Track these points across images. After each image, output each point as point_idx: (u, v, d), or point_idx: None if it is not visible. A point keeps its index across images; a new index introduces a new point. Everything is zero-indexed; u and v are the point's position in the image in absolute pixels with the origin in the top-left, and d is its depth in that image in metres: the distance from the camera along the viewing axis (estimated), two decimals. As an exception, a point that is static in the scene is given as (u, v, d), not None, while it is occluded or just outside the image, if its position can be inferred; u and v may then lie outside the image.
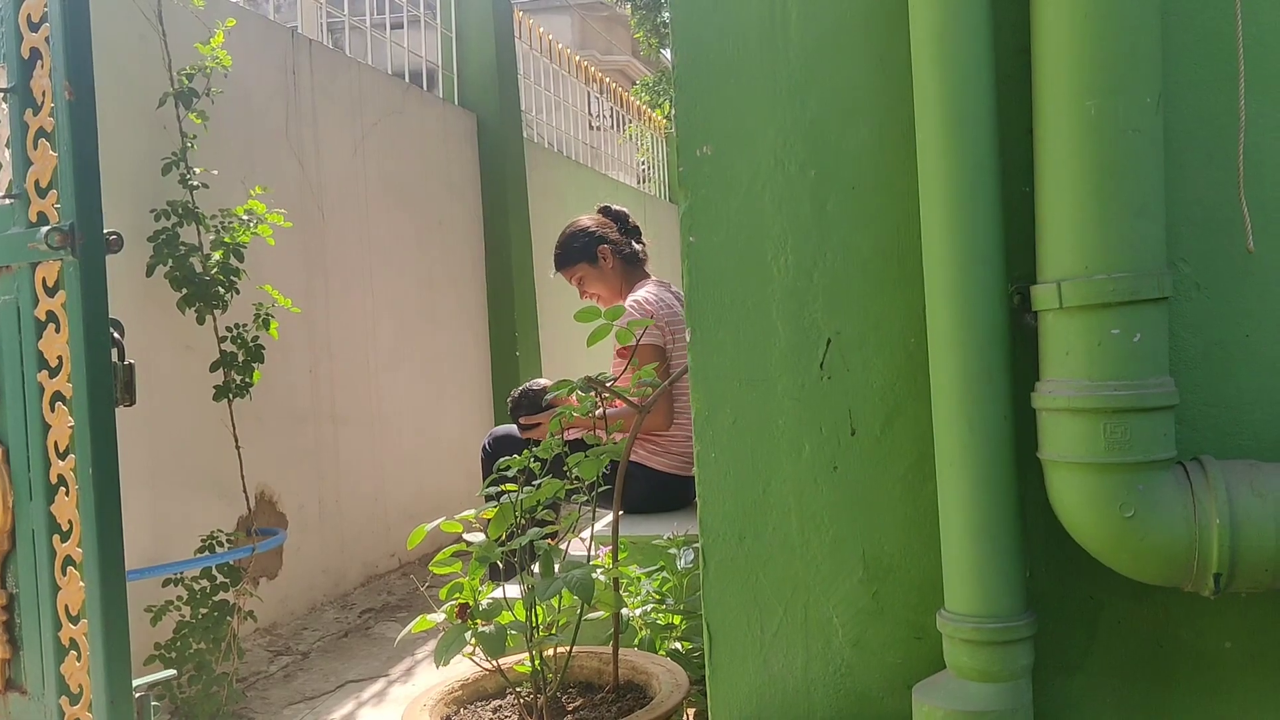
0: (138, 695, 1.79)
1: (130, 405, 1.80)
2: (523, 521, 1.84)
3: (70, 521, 1.77)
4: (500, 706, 1.90)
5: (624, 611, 2.02)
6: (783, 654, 1.49)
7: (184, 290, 2.97)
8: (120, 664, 1.75)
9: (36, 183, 1.78)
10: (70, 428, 1.75)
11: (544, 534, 1.83)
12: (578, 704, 1.87)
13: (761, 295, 1.48)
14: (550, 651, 1.85)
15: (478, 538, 1.83)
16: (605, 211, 3.31)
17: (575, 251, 3.22)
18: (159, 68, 3.02)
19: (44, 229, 1.71)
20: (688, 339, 1.52)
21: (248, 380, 3.06)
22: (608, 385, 1.96)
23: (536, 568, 1.79)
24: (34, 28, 1.77)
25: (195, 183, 3.02)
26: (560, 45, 7.34)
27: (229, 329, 3.05)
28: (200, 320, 2.99)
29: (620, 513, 2.01)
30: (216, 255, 3.01)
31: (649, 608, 2.20)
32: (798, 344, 1.47)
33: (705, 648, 1.53)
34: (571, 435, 2.84)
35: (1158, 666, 1.38)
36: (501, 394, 5.28)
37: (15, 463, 1.86)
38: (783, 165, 1.46)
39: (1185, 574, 1.22)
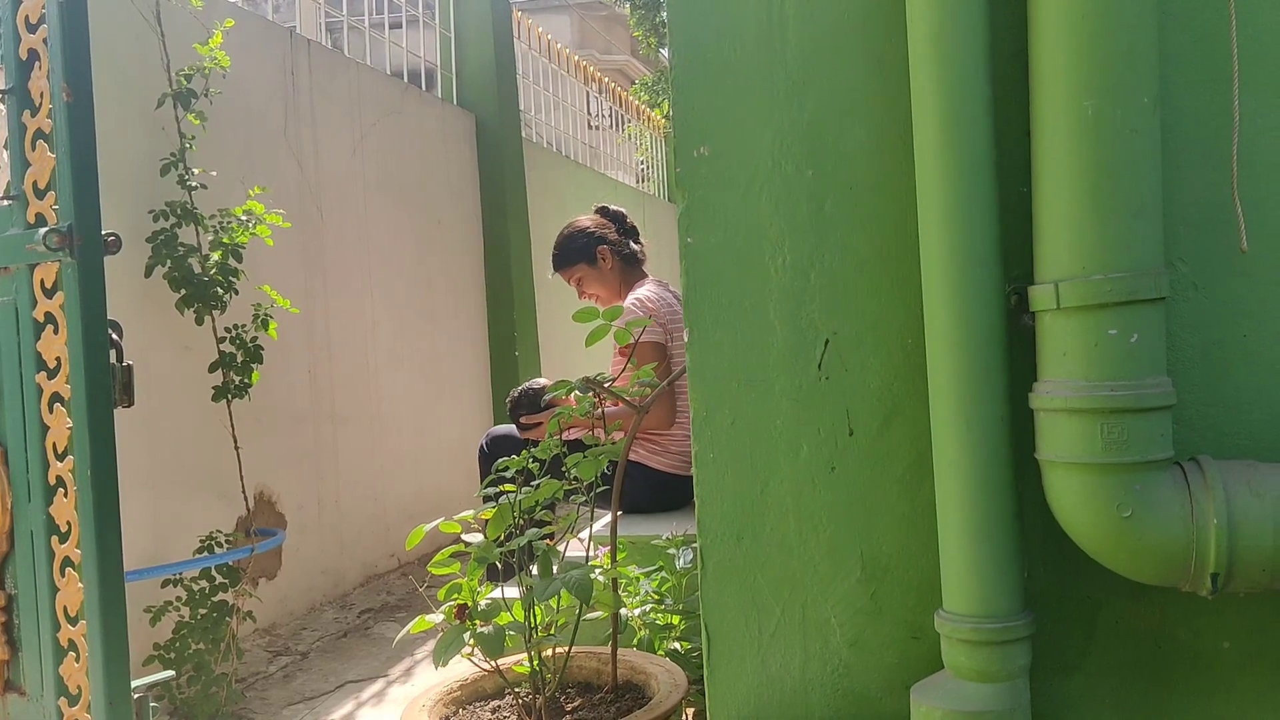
0: (137, 696, 1.79)
1: (129, 406, 1.80)
2: (521, 522, 1.84)
3: (69, 523, 1.77)
4: (499, 707, 1.90)
5: (622, 612, 2.02)
6: (781, 654, 1.50)
7: (183, 291, 2.97)
8: (119, 665, 1.75)
9: (35, 184, 1.78)
10: (69, 429, 1.75)
11: (542, 534, 1.83)
12: (576, 704, 1.87)
13: (759, 295, 1.48)
14: (549, 652, 1.85)
15: (476, 538, 1.83)
16: (603, 211, 3.31)
17: (574, 252, 3.22)
18: (157, 68, 3.02)
19: (42, 230, 1.71)
20: (686, 338, 1.52)
21: (247, 381, 3.06)
22: (606, 386, 1.96)
23: (535, 568, 1.79)
24: (32, 29, 1.77)
25: (194, 183, 3.02)
26: (559, 45, 7.34)
27: (228, 329, 3.05)
28: (199, 321, 2.99)
29: (619, 513, 2.01)
30: (215, 256, 3.01)
31: (648, 608, 2.20)
32: (795, 344, 1.47)
33: (703, 648, 1.53)
34: (571, 436, 2.84)
35: (1155, 666, 1.38)
36: (500, 394, 5.28)
37: (14, 464, 1.86)
38: (780, 166, 1.47)
39: (1183, 574, 1.22)
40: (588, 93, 7.98)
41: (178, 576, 2.85)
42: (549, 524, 1.90)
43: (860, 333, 1.45)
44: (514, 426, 3.17)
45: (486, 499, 1.89)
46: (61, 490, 1.78)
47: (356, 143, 4.35)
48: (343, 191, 4.21)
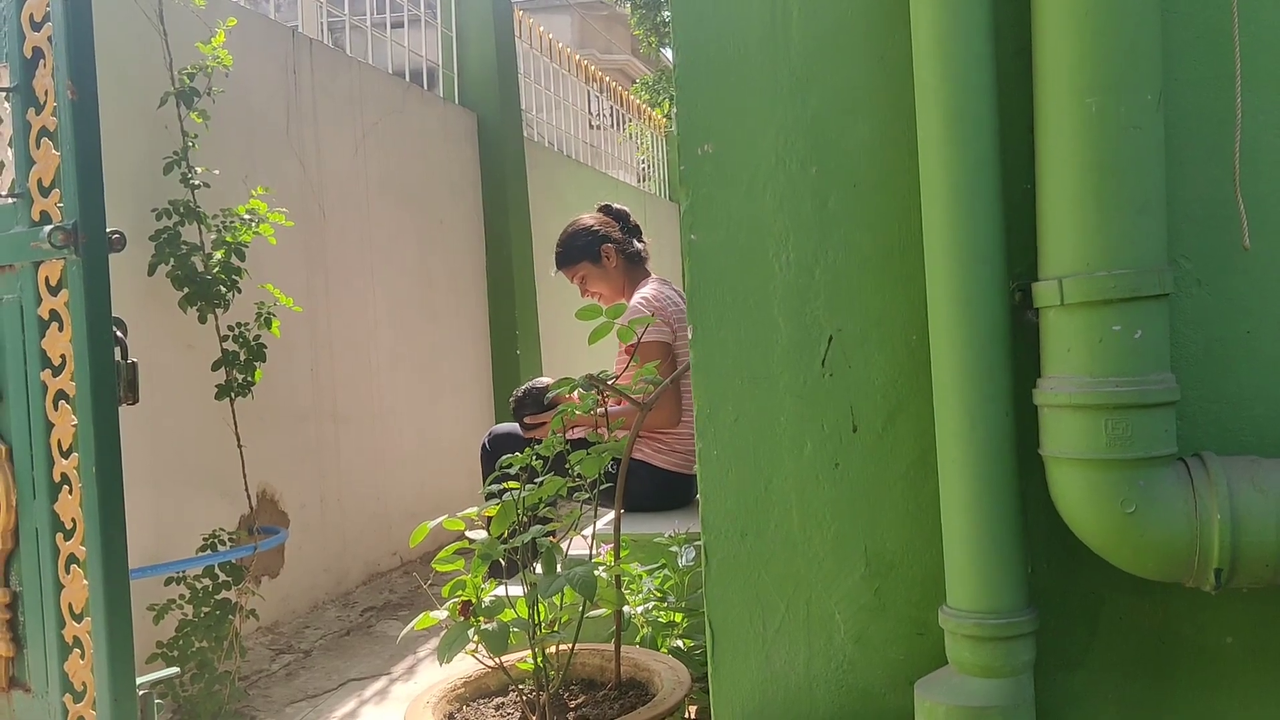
0: (141, 693, 1.79)
1: (133, 404, 1.80)
2: (525, 519, 1.84)
3: (74, 520, 1.77)
4: (503, 704, 1.90)
5: (625, 609, 2.03)
6: (785, 650, 1.50)
7: (186, 289, 2.97)
8: (124, 662, 1.75)
9: (39, 182, 1.78)
10: (73, 426, 1.75)
11: (546, 531, 1.83)
12: (580, 701, 1.88)
13: (763, 293, 1.48)
14: (552, 649, 1.85)
15: (480, 535, 1.83)
16: (606, 210, 3.31)
17: (577, 250, 3.22)
18: (160, 67, 3.03)
19: (47, 228, 1.71)
20: (690, 336, 1.53)
21: (249, 379, 3.06)
22: (609, 383, 1.96)
23: (538, 565, 1.80)
24: (36, 27, 1.77)
25: (196, 182, 3.02)
26: (560, 44, 7.34)
27: (231, 328, 3.05)
28: (202, 319, 2.99)
29: (622, 510, 2.02)
30: (218, 254, 3.01)
31: (650, 605, 2.20)
32: (799, 341, 1.48)
33: (707, 645, 1.54)
34: (575, 435, 2.84)
35: (1159, 662, 1.39)
36: (502, 392, 5.29)
37: (19, 461, 1.86)
38: (784, 163, 1.47)
39: (1186, 569, 1.22)
40: (589, 92, 7.98)
41: (181, 574, 2.86)
42: (552, 521, 1.91)
43: (864, 329, 1.45)
44: (516, 425, 3.17)
45: (490, 496, 1.89)
46: (66, 487, 1.78)
47: (358, 142, 4.35)
48: (344, 190, 4.22)
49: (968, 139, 1.28)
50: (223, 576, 2.89)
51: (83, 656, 1.78)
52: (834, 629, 1.48)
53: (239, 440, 3.06)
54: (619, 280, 3.21)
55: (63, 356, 1.77)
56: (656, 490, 2.97)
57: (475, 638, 1.72)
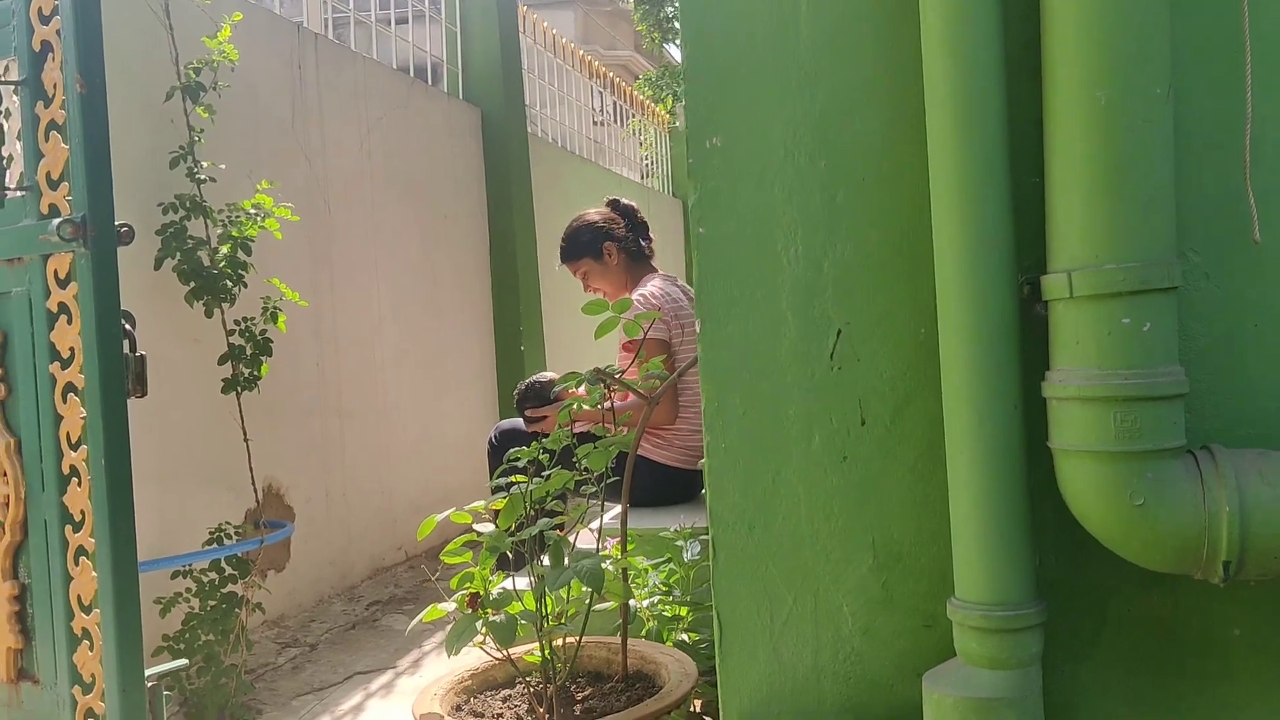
0: (150, 684, 1.80)
1: (142, 396, 1.81)
2: (532, 512, 1.85)
3: (83, 512, 1.78)
4: (510, 696, 1.91)
5: (631, 603, 2.03)
6: (793, 643, 1.50)
7: (192, 283, 2.97)
8: (132, 653, 1.76)
9: (48, 175, 1.79)
10: (82, 419, 1.76)
11: (553, 524, 1.84)
12: (587, 693, 1.88)
13: (771, 286, 1.49)
14: (559, 641, 1.86)
15: (487, 528, 1.83)
16: (614, 206, 3.30)
17: (580, 246, 3.22)
18: (166, 62, 3.03)
19: (56, 221, 1.72)
20: (698, 330, 1.53)
21: (256, 373, 3.07)
22: (616, 377, 1.97)
23: (545, 558, 1.80)
24: (45, 20, 1.77)
25: (203, 176, 3.02)
26: (564, 39, 7.33)
27: (237, 322, 3.06)
28: (208, 313, 3.00)
29: (628, 504, 2.02)
30: (224, 249, 3.01)
31: (656, 599, 2.21)
32: (808, 335, 1.48)
33: (715, 637, 1.54)
34: (579, 429, 2.85)
35: (1167, 654, 1.39)
36: (506, 388, 5.29)
37: (28, 454, 1.87)
38: (793, 156, 1.47)
39: (1195, 561, 1.23)
40: (592, 87, 7.98)
41: (187, 568, 2.86)
42: (560, 514, 1.91)
43: (872, 323, 1.46)
44: (522, 420, 3.18)
45: (497, 489, 1.90)
46: (75, 480, 1.79)
47: (363, 137, 4.35)
48: (349, 185, 4.22)
49: (977, 132, 1.28)
50: (229, 570, 2.90)
51: (91, 648, 1.79)
52: (842, 621, 1.49)
53: (245, 434, 3.07)
54: (620, 277, 3.22)
55: (71, 349, 1.77)
56: (658, 485, 2.97)
57: (483, 629, 1.72)
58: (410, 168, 4.73)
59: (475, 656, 1.89)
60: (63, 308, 1.78)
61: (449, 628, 1.75)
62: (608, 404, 2.02)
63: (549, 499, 1.87)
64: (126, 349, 1.79)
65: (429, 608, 1.83)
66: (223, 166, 3.17)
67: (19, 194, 1.85)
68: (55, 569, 1.83)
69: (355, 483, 4.12)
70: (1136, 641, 1.40)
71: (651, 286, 3.09)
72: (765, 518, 1.51)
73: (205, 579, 2.86)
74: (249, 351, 3.06)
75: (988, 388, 1.29)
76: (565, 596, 1.84)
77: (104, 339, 1.73)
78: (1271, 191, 1.33)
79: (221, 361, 3.05)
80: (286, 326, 3.20)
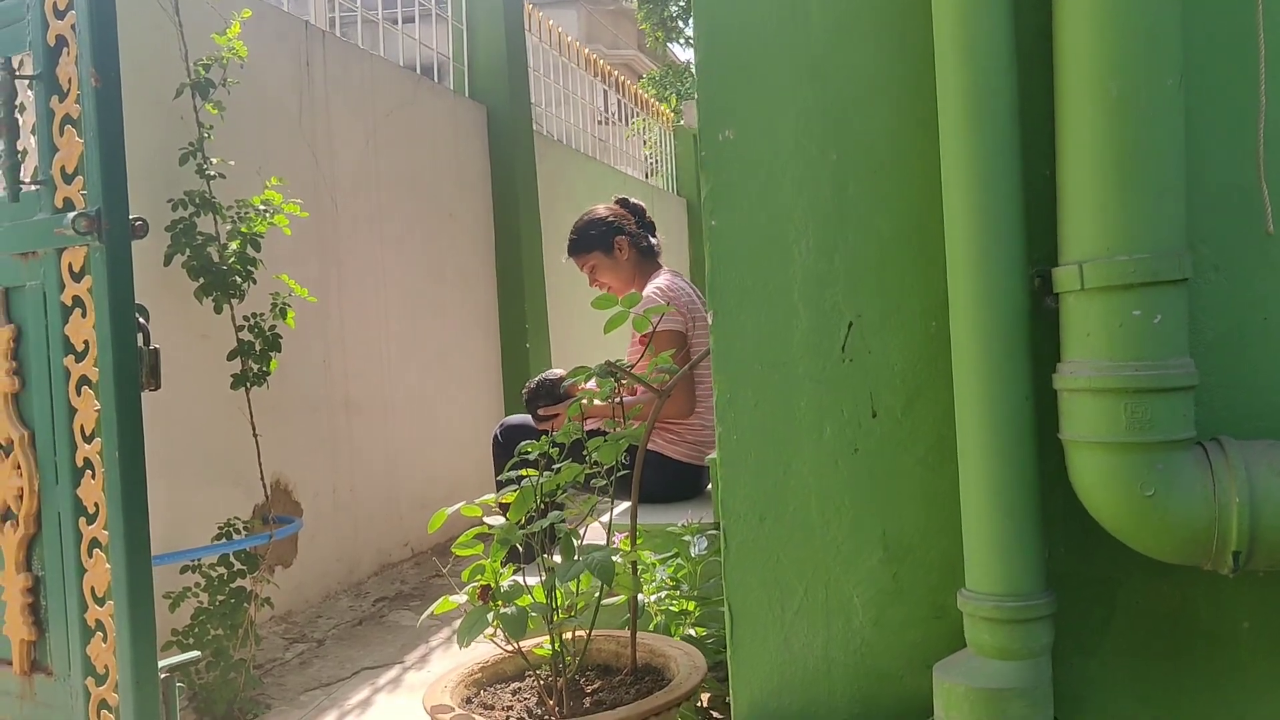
0: (163, 676, 1.81)
1: (155, 389, 1.82)
2: (542, 505, 1.85)
3: (96, 504, 1.79)
4: (519, 689, 1.91)
5: (640, 597, 2.04)
6: (803, 633, 1.51)
7: (201, 279, 2.98)
8: (146, 645, 1.77)
9: (62, 169, 1.80)
10: (97, 411, 1.77)
11: (564, 517, 1.84)
12: (596, 686, 1.89)
13: (783, 278, 1.49)
14: (569, 634, 1.87)
15: (498, 521, 1.84)
16: (623, 203, 3.32)
17: (591, 239, 3.23)
18: (175, 58, 3.04)
19: (70, 215, 1.72)
20: (709, 322, 1.54)
21: (265, 369, 3.08)
22: (627, 371, 1.97)
23: (556, 552, 1.81)
24: (60, 15, 1.78)
25: (212, 173, 3.03)
26: (569, 38, 7.34)
27: (246, 318, 3.07)
28: (217, 309, 3.01)
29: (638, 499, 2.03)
30: (233, 245, 3.02)
31: (664, 594, 2.22)
32: (819, 327, 1.49)
33: (726, 627, 1.55)
34: (589, 426, 2.86)
35: (1176, 644, 1.39)
36: (511, 384, 5.31)
37: (41, 447, 1.88)
38: (804, 148, 1.48)
39: (1205, 552, 1.23)
40: (597, 86, 7.98)
41: (196, 562, 2.87)
42: (570, 507, 1.92)
43: (884, 315, 1.46)
44: (528, 416, 3.18)
45: (507, 483, 1.91)
46: (89, 472, 1.80)
47: (370, 134, 4.36)
48: (356, 182, 4.23)
49: (988, 124, 1.29)
50: (238, 565, 2.91)
51: (105, 640, 1.80)
52: (852, 612, 1.50)
53: (254, 430, 3.08)
54: (629, 272, 3.23)
55: (86, 342, 1.78)
56: (668, 481, 2.98)
57: (494, 621, 1.73)
58: (416, 165, 4.74)
59: (485, 649, 1.90)
60: (77, 301, 1.79)
61: (457, 622, 1.76)
62: (617, 398, 2.03)
63: (560, 492, 1.88)
64: (140, 342, 1.79)
65: (440, 600, 1.84)
66: (232, 163, 3.18)
67: (34, 188, 1.86)
68: (69, 561, 1.84)
69: (362, 479, 4.13)
70: (1146, 632, 1.40)
71: (664, 279, 3.10)
72: (776, 509, 1.52)
73: (214, 574, 2.87)
74: (258, 347, 3.07)
75: (999, 380, 1.30)
76: (575, 590, 1.85)
77: (118, 332, 1.74)
78: (1282, 184, 1.34)
79: (230, 357, 3.06)
80: (295, 322, 3.21)
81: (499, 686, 1.93)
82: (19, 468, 1.90)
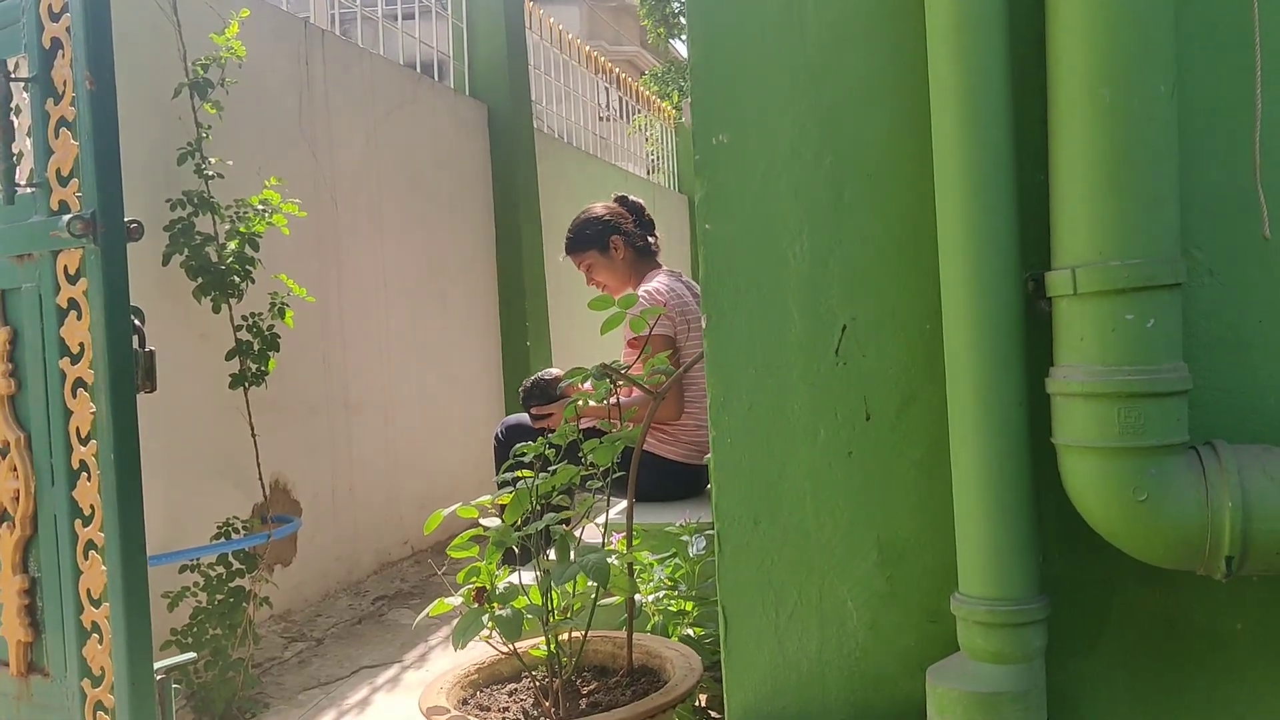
0: (159, 678, 1.82)
1: (151, 391, 1.82)
2: (538, 507, 1.85)
3: (92, 506, 1.79)
4: (515, 690, 1.92)
5: (636, 597, 2.04)
6: (797, 637, 1.51)
7: (200, 279, 2.99)
8: (142, 647, 1.77)
9: (58, 171, 1.80)
10: (92, 413, 1.77)
11: (560, 519, 1.85)
12: (592, 687, 1.89)
13: (777, 282, 1.49)
14: (565, 636, 1.87)
15: (494, 523, 1.84)
16: (622, 201, 3.31)
17: (587, 238, 3.23)
18: (174, 58, 3.04)
19: (66, 217, 1.73)
20: (704, 325, 1.53)
21: (263, 369, 3.08)
22: (622, 373, 1.98)
23: (552, 553, 1.81)
24: (55, 18, 1.78)
25: (210, 172, 3.03)
26: (570, 35, 7.34)
27: (245, 318, 3.07)
28: (216, 309, 3.01)
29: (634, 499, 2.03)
30: (232, 245, 3.02)
31: (661, 594, 2.22)
32: (813, 330, 1.48)
33: (720, 630, 1.55)
34: (585, 425, 2.86)
35: (1170, 649, 1.39)
36: (512, 383, 5.31)
37: (37, 449, 1.88)
38: (799, 153, 1.47)
39: (1198, 557, 1.23)
40: (598, 83, 7.98)
41: (195, 562, 2.88)
42: (566, 509, 1.92)
43: (878, 319, 1.46)
44: (528, 416, 3.19)
45: (504, 484, 1.91)
46: (85, 474, 1.80)
47: (370, 133, 4.36)
48: (357, 181, 4.23)
49: (982, 129, 1.29)
50: (236, 564, 2.91)
51: (101, 641, 1.81)
52: (846, 616, 1.49)
53: (253, 430, 3.08)
54: (625, 271, 3.22)
55: (81, 344, 1.79)
56: (663, 481, 2.98)
57: (490, 623, 1.73)
58: (417, 163, 4.74)
59: (481, 651, 1.90)
60: (72, 303, 1.79)
61: (455, 622, 1.76)
62: (613, 399, 2.03)
63: (555, 494, 1.88)
64: (136, 344, 1.80)
65: (436, 602, 1.84)
66: (230, 163, 3.18)
67: (29, 190, 1.86)
68: (65, 563, 1.85)
69: (361, 478, 4.14)
70: (1139, 636, 1.40)
71: (657, 282, 3.09)
72: (770, 512, 1.51)
73: (213, 573, 2.88)
74: (256, 347, 3.08)
75: (992, 384, 1.30)
76: (571, 591, 1.85)
77: (113, 334, 1.75)
78: (1277, 187, 1.33)
79: (229, 357, 3.07)
80: (294, 322, 3.21)
81: (495, 688, 1.93)
82: (15, 470, 1.90)
